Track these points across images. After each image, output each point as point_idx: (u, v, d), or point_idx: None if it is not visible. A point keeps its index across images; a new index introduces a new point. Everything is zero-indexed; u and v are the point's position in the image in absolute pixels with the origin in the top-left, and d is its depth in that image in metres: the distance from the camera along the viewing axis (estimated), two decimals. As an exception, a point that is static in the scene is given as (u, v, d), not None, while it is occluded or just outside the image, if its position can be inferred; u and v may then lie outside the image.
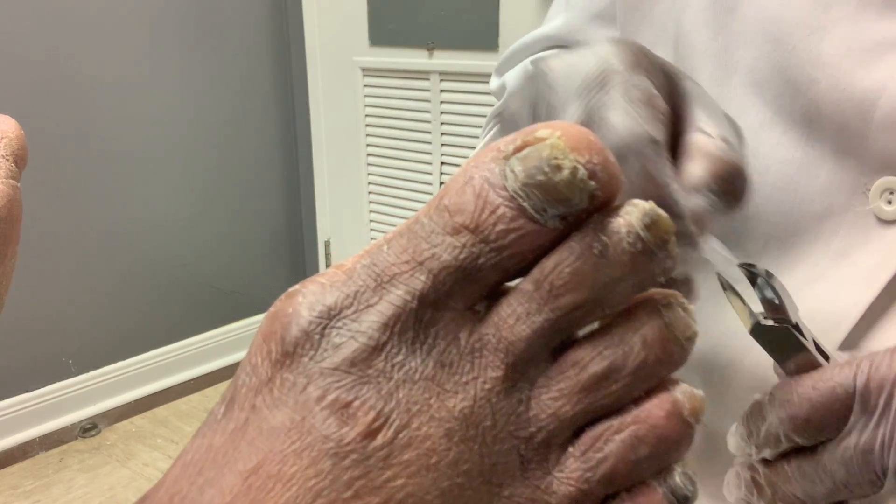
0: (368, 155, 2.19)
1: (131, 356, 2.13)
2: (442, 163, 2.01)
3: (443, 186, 0.21)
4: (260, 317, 2.41)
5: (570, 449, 0.20)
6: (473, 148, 1.93)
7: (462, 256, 0.20)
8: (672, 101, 0.31)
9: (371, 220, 2.25)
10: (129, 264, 2.07)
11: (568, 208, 0.19)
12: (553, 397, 0.20)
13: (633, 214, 0.20)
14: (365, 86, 2.13)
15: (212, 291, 2.28)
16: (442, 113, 1.97)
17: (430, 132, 2.01)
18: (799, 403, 0.28)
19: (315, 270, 2.48)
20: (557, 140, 0.19)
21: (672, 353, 0.20)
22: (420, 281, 0.20)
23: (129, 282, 2.08)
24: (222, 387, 2.25)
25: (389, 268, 0.20)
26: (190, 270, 2.21)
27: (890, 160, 0.37)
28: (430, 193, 2.06)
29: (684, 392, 0.21)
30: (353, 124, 2.19)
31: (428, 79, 1.98)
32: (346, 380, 0.19)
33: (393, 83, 2.07)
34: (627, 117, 0.27)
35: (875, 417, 0.27)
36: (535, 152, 0.20)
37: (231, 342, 2.35)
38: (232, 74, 2.19)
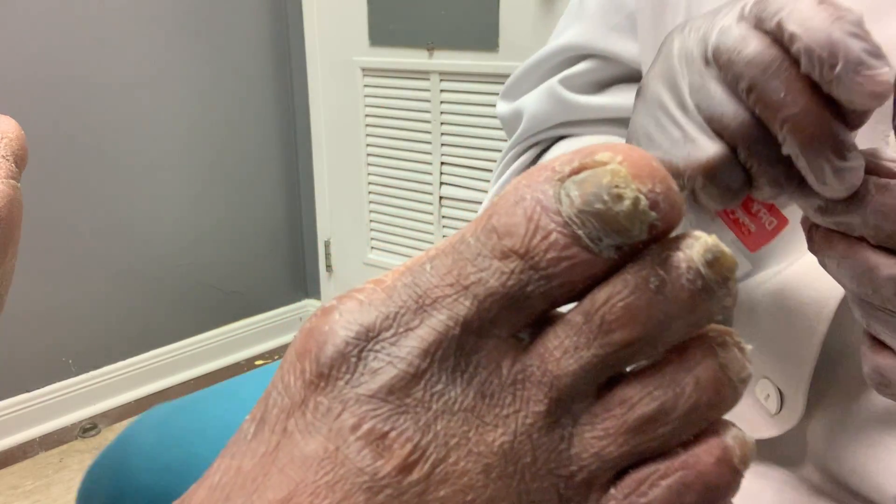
0: (368, 155, 2.19)
1: (131, 356, 2.13)
2: (442, 163, 2.01)
3: (490, 204, 0.20)
4: (260, 317, 2.42)
5: (612, 491, 0.19)
6: (473, 148, 1.93)
7: (510, 283, 0.19)
8: None
9: (371, 220, 2.25)
10: (129, 264, 2.07)
11: (625, 239, 0.18)
12: (597, 436, 0.19)
13: (694, 249, 0.19)
14: (365, 86, 2.13)
15: (212, 291, 2.28)
16: (442, 113, 1.97)
17: (430, 132, 2.01)
18: None
19: (315, 270, 2.48)
20: (619, 166, 0.18)
21: (725, 395, 0.19)
22: (464, 307, 0.19)
23: (130, 282, 2.08)
24: (222, 387, 2.25)
25: (432, 290, 0.19)
26: (190, 270, 2.21)
27: None
28: (430, 193, 2.07)
29: (735, 437, 0.19)
30: (353, 124, 2.19)
31: (428, 79, 1.98)
32: (382, 408, 0.18)
33: (393, 83, 2.07)
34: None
35: None
36: (593, 177, 0.18)
37: (231, 342, 2.35)
38: (232, 74, 2.19)
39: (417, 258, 0.20)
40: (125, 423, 2.07)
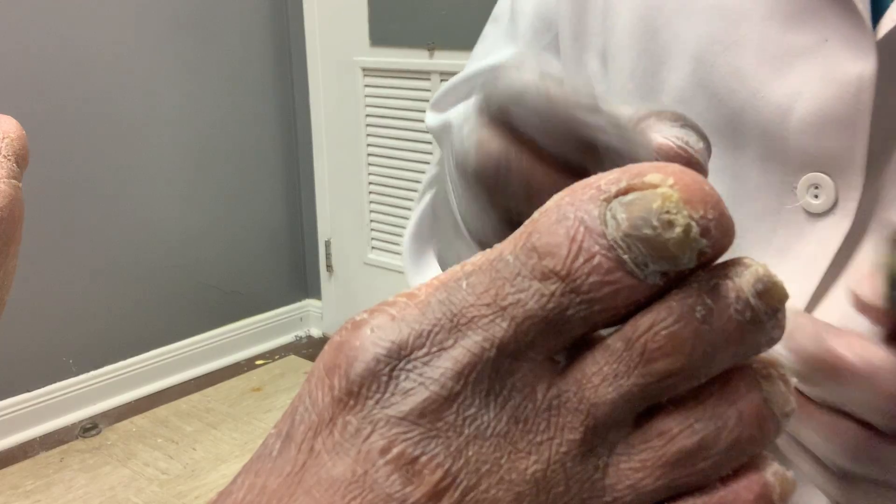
0: (368, 155, 2.19)
1: (131, 356, 2.13)
2: (442, 163, 2.02)
3: (530, 220, 0.19)
4: (260, 317, 2.42)
5: None
6: (473, 148, 1.93)
7: (550, 306, 0.18)
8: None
9: (371, 220, 2.25)
10: (129, 264, 2.07)
11: (673, 266, 0.18)
12: (634, 468, 0.18)
13: (744, 277, 0.18)
14: (365, 86, 2.13)
15: (212, 291, 2.28)
16: (442, 113, 1.97)
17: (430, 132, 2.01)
18: None
19: (315, 270, 2.48)
20: (670, 190, 0.17)
21: (768, 430, 0.19)
22: (501, 328, 0.18)
23: (130, 282, 2.08)
24: (223, 387, 2.25)
25: (468, 308, 0.18)
26: (190, 270, 2.21)
27: (810, 158, 0.40)
28: (431, 193, 2.07)
29: (776, 474, 0.19)
30: (353, 124, 2.19)
31: (428, 79, 1.98)
32: (413, 432, 0.18)
33: (393, 83, 2.07)
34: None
35: None
36: (642, 200, 0.18)
37: (231, 342, 2.35)
38: (232, 75, 2.19)
39: (452, 272, 0.19)
40: (125, 423, 2.07)
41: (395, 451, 0.17)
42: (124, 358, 2.12)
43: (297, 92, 2.32)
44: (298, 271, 2.50)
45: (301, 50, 2.26)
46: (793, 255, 0.41)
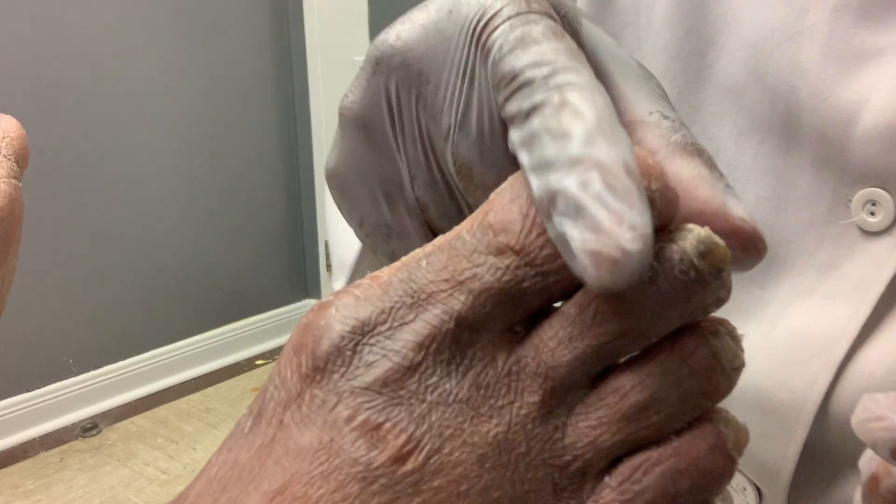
0: (369, 155, 2.19)
1: (131, 356, 2.13)
2: (442, 163, 2.02)
3: (487, 201, 0.20)
4: (260, 317, 2.42)
5: (607, 479, 0.19)
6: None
7: (505, 279, 0.19)
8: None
9: (371, 220, 2.25)
10: (129, 264, 2.07)
11: None
12: (591, 425, 0.19)
13: (687, 240, 0.19)
14: (365, 86, 2.13)
15: (212, 291, 2.28)
16: (442, 113, 1.97)
17: (430, 132, 2.02)
18: None
19: (315, 270, 2.48)
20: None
21: (718, 384, 0.19)
22: (459, 301, 0.19)
23: (129, 282, 2.08)
24: (223, 387, 2.25)
25: (427, 285, 0.19)
26: (190, 270, 2.21)
27: (871, 171, 0.36)
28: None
29: (729, 424, 0.20)
30: (353, 124, 2.19)
31: (428, 79, 1.98)
32: (377, 400, 0.18)
33: (393, 83, 2.07)
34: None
35: None
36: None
37: (231, 342, 2.35)
38: (232, 74, 2.20)
39: (413, 254, 0.20)
40: (125, 423, 2.07)
41: (359, 418, 0.18)
42: (124, 358, 2.12)
43: (297, 92, 2.33)
44: (298, 271, 2.50)
45: (301, 50, 2.26)
46: (840, 274, 0.37)
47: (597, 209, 0.17)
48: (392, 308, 0.19)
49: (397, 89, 0.25)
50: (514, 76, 0.20)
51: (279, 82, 2.31)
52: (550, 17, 0.21)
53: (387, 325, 0.19)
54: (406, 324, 0.19)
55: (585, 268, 0.17)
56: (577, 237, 0.17)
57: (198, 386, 2.25)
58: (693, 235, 0.19)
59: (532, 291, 0.19)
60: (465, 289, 0.19)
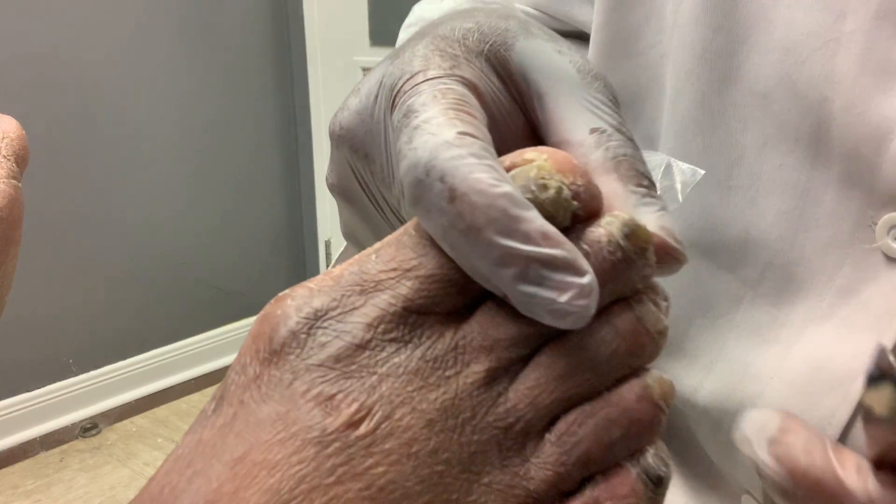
0: (369, 155, 2.19)
1: (131, 356, 2.13)
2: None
3: None
4: (260, 317, 2.41)
5: (547, 435, 0.21)
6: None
7: (448, 266, 0.21)
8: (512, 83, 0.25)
9: (371, 220, 2.25)
10: (129, 264, 2.07)
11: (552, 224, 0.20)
12: (530, 387, 0.21)
13: (613, 225, 0.21)
14: (365, 86, 2.13)
15: (212, 291, 2.28)
16: (442, 113, 1.97)
17: (430, 132, 2.01)
18: None
19: (316, 270, 2.48)
20: (544, 162, 0.21)
21: (643, 344, 0.21)
22: (406, 287, 0.21)
23: (130, 282, 2.08)
24: (222, 387, 2.25)
25: (376, 275, 0.21)
26: (190, 270, 2.21)
27: None
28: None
29: (654, 377, 0.22)
30: (353, 124, 2.19)
31: (428, 79, 1.98)
32: (330, 375, 0.20)
33: (393, 83, 2.07)
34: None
35: None
36: (523, 171, 0.21)
37: (231, 342, 2.35)
38: (232, 74, 2.20)
39: (365, 251, 0.22)
40: (125, 423, 2.07)
41: (314, 391, 0.20)
42: (124, 358, 2.12)
43: (297, 92, 2.32)
44: (298, 271, 2.50)
45: (301, 50, 2.26)
46: (860, 301, 0.35)
47: (542, 292, 0.20)
48: (343, 296, 0.21)
49: (356, 167, 0.28)
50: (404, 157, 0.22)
51: (279, 82, 2.31)
52: (442, 77, 0.23)
53: (338, 311, 0.21)
54: (356, 308, 0.21)
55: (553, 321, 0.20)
56: (540, 305, 0.20)
57: (198, 386, 2.25)
58: (618, 220, 0.21)
59: (472, 280, 0.21)
60: (412, 275, 0.21)
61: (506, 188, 0.20)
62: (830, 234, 0.36)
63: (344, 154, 0.28)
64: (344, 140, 0.27)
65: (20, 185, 0.29)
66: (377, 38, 2.08)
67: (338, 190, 0.31)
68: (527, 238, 0.20)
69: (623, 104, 0.46)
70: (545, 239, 0.20)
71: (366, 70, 2.12)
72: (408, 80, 0.23)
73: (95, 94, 1.93)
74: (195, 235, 2.20)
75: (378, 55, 2.08)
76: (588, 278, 0.20)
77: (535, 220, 0.20)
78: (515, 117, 0.25)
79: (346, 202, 0.31)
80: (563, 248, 0.20)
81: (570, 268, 0.20)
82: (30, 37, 1.81)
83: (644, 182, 0.23)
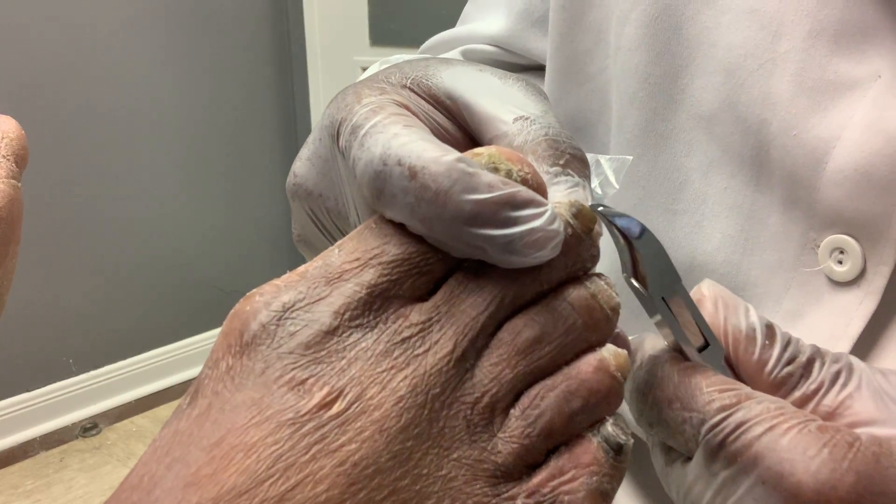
0: (369, 155, 2.19)
1: (131, 356, 2.13)
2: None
3: None
4: (260, 317, 2.42)
5: (512, 410, 0.22)
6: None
7: (410, 250, 0.22)
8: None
9: (371, 220, 2.25)
10: (129, 264, 2.07)
11: None
12: (493, 363, 0.22)
13: (563, 206, 0.23)
14: (365, 86, 2.13)
15: (212, 291, 2.28)
16: (442, 113, 1.97)
17: (430, 132, 2.02)
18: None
19: (315, 270, 2.48)
20: (494, 151, 0.23)
21: (598, 319, 0.23)
22: (370, 274, 0.22)
23: (130, 282, 2.08)
24: (222, 386, 2.25)
25: (340, 266, 0.22)
26: (190, 270, 2.22)
27: (839, 216, 0.33)
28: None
29: (610, 351, 0.23)
30: (353, 124, 2.19)
31: (428, 79, 1.98)
32: (301, 361, 0.21)
33: (393, 83, 2.07)
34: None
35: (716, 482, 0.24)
36: (475, 159, 0.23)
37: (231, 342, 2.34)
38: (233, 74, 2.20)
39: (329, 248, 0.23)
40: (125, 423, 2.07)
41: (286, 377, 0.21)
42: (124, 358, 2.12)
43: (297, 92, 2.33)
44: (298, 271, 2.50)
45: (301, 50, 2.26)
46: (806, 324, 0.35)
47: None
48: (310, 288, 0.22)
49: (313, 210, 0.30)
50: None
51: (279, 83, 2.31)
52: (375, 100, 0.25)
53: (305, 302, 0.22)
54: (323, 298, 0.22)
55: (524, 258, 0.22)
56: (519, 241, 0.22)
57: (198, 386, 2.25)
58: (566, 202, 0.23)
59: (435, 261, 0.22)
60: (375, 262, 0.22)
61: (456, 154, 0.22)
62: (776, 257, 0.36)
63: (301, 202, 0.30)
64: (300, 187, 0.29)
65: (20, 184, 0.29)
66: (377, 38, 2.08)
67: (302, 240, 0.34)
68: (490, 187, 0.21)
69: (577, 129, 0.47)
70: (504, 183, 0.22)
71: (365, 70, 2.12)
72: (346, 112, 0.25)
73: (96, 94, 1.93)
74: (195, 235, 2.21)
75: (378, 55, 2.08)
76: (550, 207, 0.22)
77: (490, 174, 0.22)
78: (453, 132, 0.27)
79: (311, 251, 0.33)
80: (520, 187, 0.22)
81: (533, 200, 0.22)
82: (29, 37, 1.81)
83: (560, 161, 0.24)
